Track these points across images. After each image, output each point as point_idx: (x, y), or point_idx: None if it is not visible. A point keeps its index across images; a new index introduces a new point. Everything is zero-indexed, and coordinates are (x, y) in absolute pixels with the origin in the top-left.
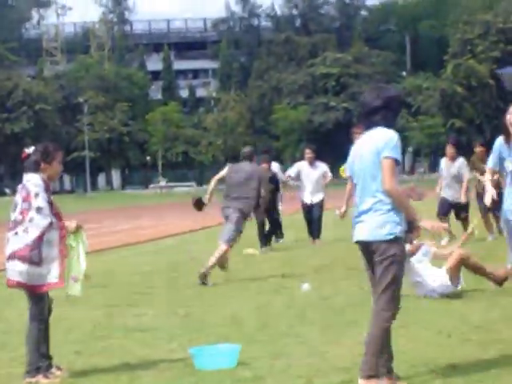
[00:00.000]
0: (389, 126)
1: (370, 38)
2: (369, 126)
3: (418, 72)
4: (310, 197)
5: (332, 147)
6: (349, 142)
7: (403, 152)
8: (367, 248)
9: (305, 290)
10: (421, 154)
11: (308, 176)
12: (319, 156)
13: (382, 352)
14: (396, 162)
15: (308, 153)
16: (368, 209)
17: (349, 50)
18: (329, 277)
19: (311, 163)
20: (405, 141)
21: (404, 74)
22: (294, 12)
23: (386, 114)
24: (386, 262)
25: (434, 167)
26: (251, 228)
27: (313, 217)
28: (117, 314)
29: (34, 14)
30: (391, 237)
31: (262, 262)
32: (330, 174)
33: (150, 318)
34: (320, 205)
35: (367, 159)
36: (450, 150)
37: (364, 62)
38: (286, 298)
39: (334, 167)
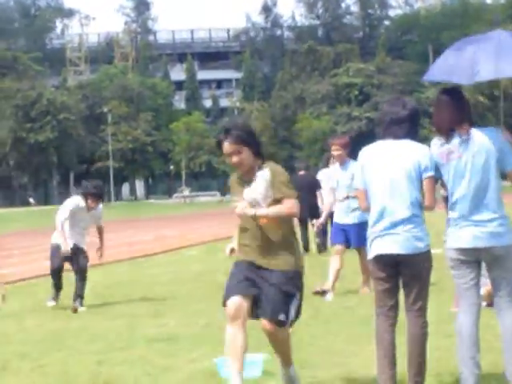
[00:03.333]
0: (414, 138)
1: (393, 48)
2: (395, 136)
3: (441, 82)
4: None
5: (355, 157)
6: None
7: None
8: (395, 260)
9: (328, 300)
10: None
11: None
12: None
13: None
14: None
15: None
16: (402, 221)
17: (372, 60)
18: (352, 286)
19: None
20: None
21: (427, 84)
22: (317, 22)
23: (411, 125)
24: (425, 273)
25: None
26: None
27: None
28: (139, 324)
29: (58, 24)
30: (428, 248)
31: None
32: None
33: (171, 327)
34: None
35: (405, 171)
36: None
37: (387, 72)
38: (309, 309)
39: None
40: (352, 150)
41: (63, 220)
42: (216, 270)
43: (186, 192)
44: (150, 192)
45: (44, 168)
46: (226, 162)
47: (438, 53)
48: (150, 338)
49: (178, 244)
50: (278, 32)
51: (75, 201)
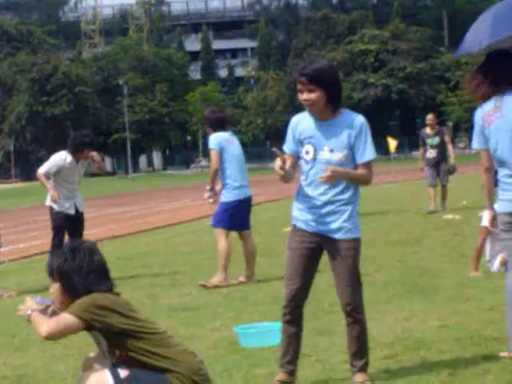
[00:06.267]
0: None
1: (408, 14)
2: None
3: (456, 47)
4: None
5: (372, 123)
6: (387, 117)
7: (443, 126)
8: None
9: None
10: (460, 129)
11: None
12: None
13: None
14: None
15: None
16: None
17: (386, 26)
18: (369, 253)
19: None
20: (444, 116)
21: (442, 49)
22: None
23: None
24: None
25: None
26: None
27: None
28: (161, 294)
29: None
30: None
31: None
32: None
33: (193, 297)
34: None
35: None
36: None
37: (402, 38)
38: (327, 276)
39: (375, 143)
40: (369, 117)
41: (47, 170)
42: (236, 238)
43: (204, 162)
44: (167, 163)
45: (61, 141)
46: (242, 131)
47: (452, 18)
48: (173, 308)
49: (196, 214)
50: (293, 0)
51: (61, 156)
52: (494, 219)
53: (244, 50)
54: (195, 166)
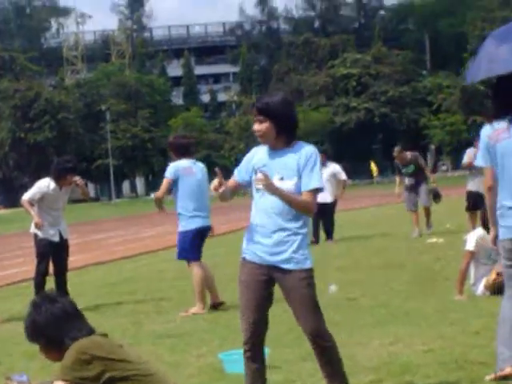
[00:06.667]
0: None
1: (389, 37)
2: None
3: (438, 70)
4: (321, 196)
5: (354, 147)
6: (370, 141)
7: (426, 150)
8: None
9: (332, 292)
10: (443, 152)
11: None
12: (342, 156)
13: None
14: None
15: None
16: None
17: (368, 50)
18: (354, 277)
19: (322, 164)
20: (427, 139)
21: (424, 72)
22: (312, 14)
23: None
24: None
25: (456, 164)
26: None
27: (324, 217)
28: (145, 320)
29: (53, 24)
30: None
31: None
32: (343, 175)
33: (178, 324)
34: (331, 205)
35: None
36: None
37: (384, 61)
38: None
39: (357, 166)
40: (352, 141)
41: (31, 197)
42: (219, 264)
43: None
44: (150, 188)
45: (44, 168)
46: (224, 157)
47: (434, 41)
48: (158, 335)
49: None
50: (274, 25)
51: (45, 183)
52: (496, 238)
53: (226, 74)
54: None
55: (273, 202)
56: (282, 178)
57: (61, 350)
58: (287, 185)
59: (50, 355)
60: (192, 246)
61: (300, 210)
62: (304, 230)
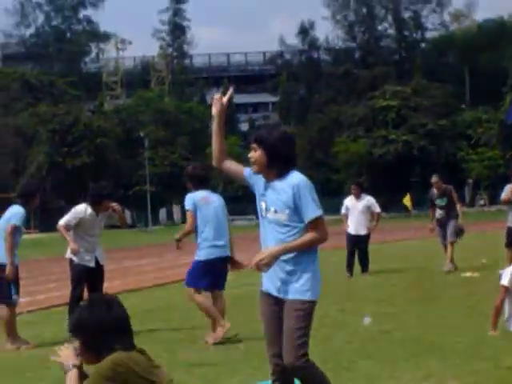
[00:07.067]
0: None
1: (429, 70)
2: None
3: (478, 104)
4: (355, 228)
5: (392, 179)
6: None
7: (463, 184)
8: None
9: (367, 324)
10: (480, 187)
11: (353, 208)
12: (379, 188)
13: None
14: None
15: (353, 188)
16: None
17: (408, 82)
18: (388, 310)
19: (357, 196)
20: (465, 173)
21: (463, 106)
22: (353, 45)
23: None
24: None
25: (494, 199)
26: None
27: (359, 249)
28: (179, 349)
29: (93, 49)
30: None
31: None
32: (378, 208)
33: (211, 352)
34: (365, 238)
35: None
36: None
37: (423, 94)
38: (345, 333)
39: (394, 199)
40: (390, 173)
41: (67, 222)
42: (254, 294)
43: None
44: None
45: (80, 193)
46: None
47: (474, 74)
48: (191, 363)
49: None
50: (315, 55)
51: (82, 208)
52: None
53: (265, 104)
54: None
55: (278, 241)
56: (275, 211)
57: (98, 355)
58: (281, 217)
59: (85, 356)
60: (199, 274)
61: (314, 245)
62: (310, 260)
